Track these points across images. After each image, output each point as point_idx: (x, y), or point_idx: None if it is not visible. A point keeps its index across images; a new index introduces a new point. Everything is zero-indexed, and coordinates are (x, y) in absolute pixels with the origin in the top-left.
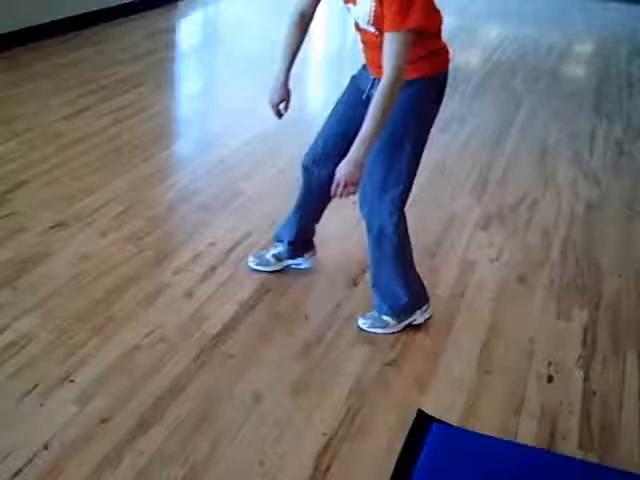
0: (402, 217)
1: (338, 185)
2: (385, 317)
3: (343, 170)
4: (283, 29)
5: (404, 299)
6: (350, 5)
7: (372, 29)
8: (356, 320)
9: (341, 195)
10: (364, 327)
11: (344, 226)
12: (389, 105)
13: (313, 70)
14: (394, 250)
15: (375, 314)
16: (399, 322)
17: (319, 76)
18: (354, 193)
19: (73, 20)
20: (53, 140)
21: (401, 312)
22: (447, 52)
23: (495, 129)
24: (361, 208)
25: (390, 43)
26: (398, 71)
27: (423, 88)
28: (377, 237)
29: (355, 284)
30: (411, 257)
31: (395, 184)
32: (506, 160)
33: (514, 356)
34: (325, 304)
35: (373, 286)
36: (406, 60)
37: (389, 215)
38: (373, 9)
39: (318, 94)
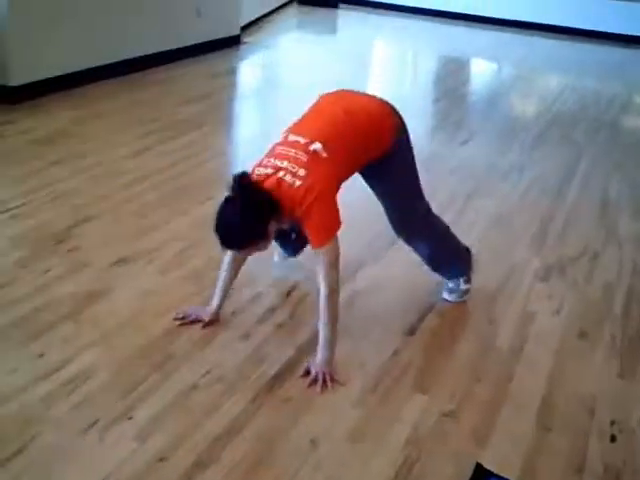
0: (429, 211)
1: (318, 381)
2: (456, 280)
3: (320, 369)
4: (342, 75)
5: (462, 259)
6: None
7: None
8: (411, 370)
9: (322, 388)
10: (451, 299)
11: (401, 273)
12: (336, 308)
13: None
14: (437, 231)
15: (449, 284)
16: (468, 279)
17: None
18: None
19: (140, 60)
20: (118, 177)
21: (465, 270)
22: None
23: (555, 180)
24: (400, 234)
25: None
26: (333, 281)
27: (397, 151)
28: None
29: (412, 333)
30: (449, 231)
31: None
32: (566, 211)
33: (575, 413)
34: (382, 351)
35: (435, 270)
36: (337, 265)
37: (422, 221)
38: None
39: None
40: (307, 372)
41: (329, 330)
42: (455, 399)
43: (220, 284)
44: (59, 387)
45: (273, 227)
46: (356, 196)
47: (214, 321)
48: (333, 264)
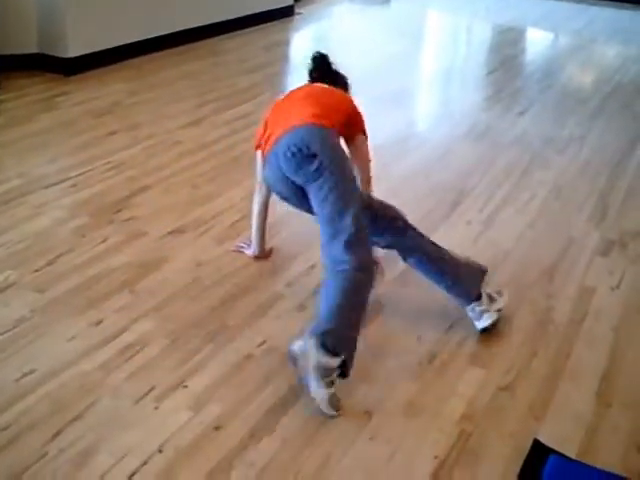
0: None
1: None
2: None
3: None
4: (395, 46)
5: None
6: None
7: None
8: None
9: None
10: (488, 325)
11: (457, 246)
12: None
13: (422, 86)
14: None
15: (475, 308)
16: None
17: (429, 93)
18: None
19: (193, 32)
20: (172, 148)
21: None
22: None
23: (615, 152)
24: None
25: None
26: None
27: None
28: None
29: None
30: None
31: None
32: (627, 184)
33: (636, 389)
34: (438, 325)
35: (451, 292)
36: None
37: None
38: None
39: (427, 111)
40: None
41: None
42: (512, 373)
43: (259, 230)
44: (116, 355)
45: None
46: (406, 169)
47: (267, 256)
48: None
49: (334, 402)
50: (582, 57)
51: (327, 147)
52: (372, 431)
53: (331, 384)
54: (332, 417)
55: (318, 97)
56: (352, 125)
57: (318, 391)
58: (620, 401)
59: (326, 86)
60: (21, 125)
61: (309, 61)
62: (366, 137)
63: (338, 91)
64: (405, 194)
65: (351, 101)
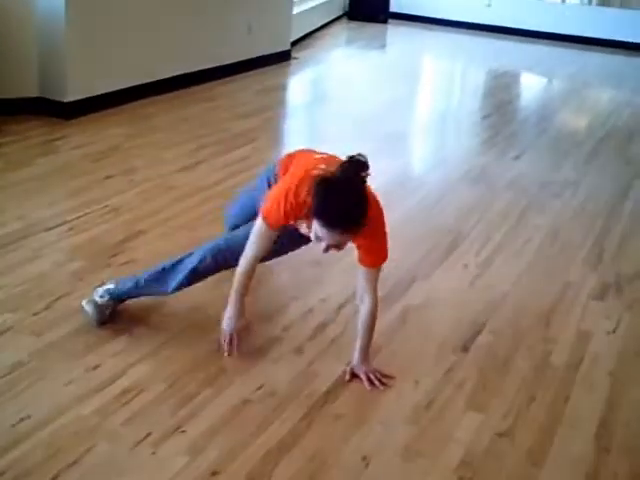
0: None
1: (373, 381)
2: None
3: (368, 369)
4: (391, 91)
5: None
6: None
7: None
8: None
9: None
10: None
11: (453, 290)
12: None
13: (418, 131)
14: None
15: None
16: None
17: (425, 137)
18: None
19: (190, 76)
20: (168, 192)
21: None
22: None
23: (611, 196)
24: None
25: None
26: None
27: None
28: None
29: (466, 350)
30: None
31: None
32: (622, 228)
33: (635, 434)
34: (435, 368)
35: None
36: None
37: None
38: None
39: (423, 155)
40: (353, 375)
41: (371, 336)
42: (510, 418)
43: (241, 293)
44: (113, 400)
45: None
46: (403, 213)
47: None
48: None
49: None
50: (576, 101)
51: None
52: (369, 477)
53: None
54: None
55: None
56: None
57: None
58: (619, 446)
59: None
60: (20, 169)
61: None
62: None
63: None
64: (402, 237)
65: None
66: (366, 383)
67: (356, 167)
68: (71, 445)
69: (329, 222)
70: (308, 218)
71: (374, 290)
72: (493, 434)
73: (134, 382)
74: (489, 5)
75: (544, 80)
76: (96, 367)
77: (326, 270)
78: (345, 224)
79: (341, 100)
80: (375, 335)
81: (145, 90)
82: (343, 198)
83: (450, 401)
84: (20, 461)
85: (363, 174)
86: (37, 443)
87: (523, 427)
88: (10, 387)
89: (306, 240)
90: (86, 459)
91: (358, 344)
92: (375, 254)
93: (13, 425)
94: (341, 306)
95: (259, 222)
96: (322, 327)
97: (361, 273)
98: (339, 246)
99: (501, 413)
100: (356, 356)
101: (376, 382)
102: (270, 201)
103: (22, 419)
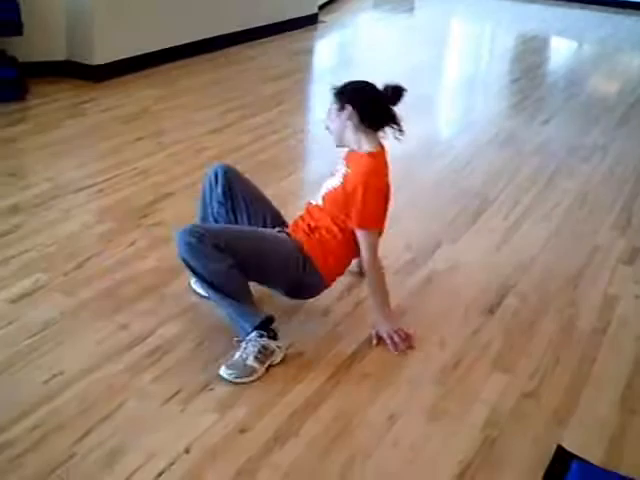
0: None
1: (396, 342)
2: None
3: (388, 328)
4: (419, 54)
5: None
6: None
7: None
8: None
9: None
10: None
11: (479, 254)
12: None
13: (447, 94)
14: None
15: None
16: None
17: (453, 100)
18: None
19: (218, 39)
20: (197, 154)
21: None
22: None
23: None
24: None
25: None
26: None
27: None
28: None
29: (492, 312)
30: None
31: None
32: None
33: None
34: (462, 330)
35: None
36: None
37: None
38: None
39: (451, 118)
40: (379, 338)
41: (378, 296)
42: (535, 379)
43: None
44: (142, 358)
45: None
46: (431, 176)
47: None
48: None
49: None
50: (606, 66)
51: None
52: (396, 435)
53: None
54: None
55: None
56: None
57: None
58: None
59: None
60: (49, 131)
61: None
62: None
63: None
64: (430, 201)
65: None
66: (391, 347)
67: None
68: (102, 401)
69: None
70: None
71: (366, 251)
72: (519, 394)
73: (164, 341)
74: None
75: (574, 44)
76: (125, 326)
77: None
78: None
79: (369, 64)
80: (401, 297)
81: (174, 53)
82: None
83: (476, 362)
84: (52, 416)
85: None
86: (69, 399)
87: (549, 388)
88: (42, 344)
89: None
90: (117, 415)
91: (372, 305)
92: (356, 214)
93: (45, 381)
94: None
95: (370, 236)
96: (347, 290)
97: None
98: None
99: (527, 374)
100: (374, 317)
101: (400, 345)
102: (369, 213)
103: (54, 375)
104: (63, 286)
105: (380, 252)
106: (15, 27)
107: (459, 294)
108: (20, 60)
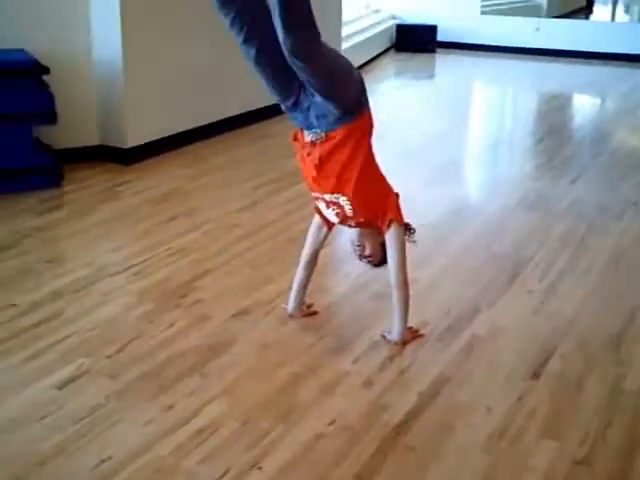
0: None
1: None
2: None
3: (399, 338)
4: (442, 119)
5: None
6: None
7: None
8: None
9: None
10: None
11: (518, 318)
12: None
13: (472, 159)
14: None
15: None
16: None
17: (478, 164)
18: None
19: (243, 116)
20: (230, 231)
21: None
22: None
23: None
24: None
25: None
26: None
27: None
28: None
29: (536, 377)
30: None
31: None
32: None
33: None
34: (507, 396)
35: None
36: None
37: None
38: None
39: (478, 183)
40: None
41: (399, 308)
42: (587, 445)
43: (302, 282)
44: (189, 439)
45: None
46: (461, 242)
47: (304, 314)
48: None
49: None
50: (631, 121)
51: None
52: None
53: None
54: None
55: None
56: None
57: None
58: None
59: None
60: (85, 216)
61: None
62: None
63: None
64: (462, 267)
65: None
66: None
67: None
68: None
69: None
70: None
71: (391, 258)
72: (570, 461)
73: (209, 421)
74: (538, 29)
75: (596, 101)
76: (171, 407)
77: (387, 303)
78: None
79: (393, 130)
80: (444, 364)
81: (202, 132)
82: None
83: (523, 429)
84: None
85: None
86: None
87: (601, 453)
88: (89, 429)
89: None
90: None
91: (395, 318)
92: (371, 209)
93: (95, 467)
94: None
95: (399, 233)
96: (389, 360)
97: None
98: None
99: (577, 439)
100: (394, 326)
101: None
102: (395, 210)
103: (103, 461)
104: (107, 370)
105: (420, 318)
106: (50, 117)
107: (501, 359)
108: (55, 147)
